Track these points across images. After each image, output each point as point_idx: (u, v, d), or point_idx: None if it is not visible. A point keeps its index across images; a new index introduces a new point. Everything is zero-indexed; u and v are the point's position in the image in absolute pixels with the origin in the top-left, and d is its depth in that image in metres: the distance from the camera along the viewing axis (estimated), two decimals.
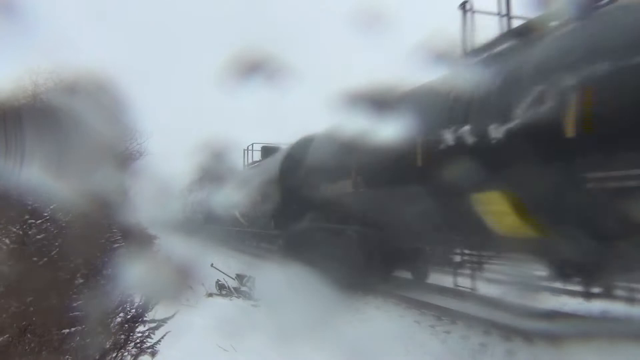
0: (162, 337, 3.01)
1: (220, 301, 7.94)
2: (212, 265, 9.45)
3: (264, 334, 5.75)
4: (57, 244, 2.79)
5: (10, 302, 2.50)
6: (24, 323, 2.65)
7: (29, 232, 2.81)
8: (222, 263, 10.33)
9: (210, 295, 8.12)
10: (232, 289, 8.47)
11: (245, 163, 17.73)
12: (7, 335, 2.31)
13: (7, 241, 2.79)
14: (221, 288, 8.52)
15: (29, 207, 2.94)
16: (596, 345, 4.60)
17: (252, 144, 17.39)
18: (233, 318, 6.75)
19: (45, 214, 2.96)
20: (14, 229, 2.80)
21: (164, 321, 3.04)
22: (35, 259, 2.61)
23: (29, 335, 2.65)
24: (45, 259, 2.59)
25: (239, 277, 8.99)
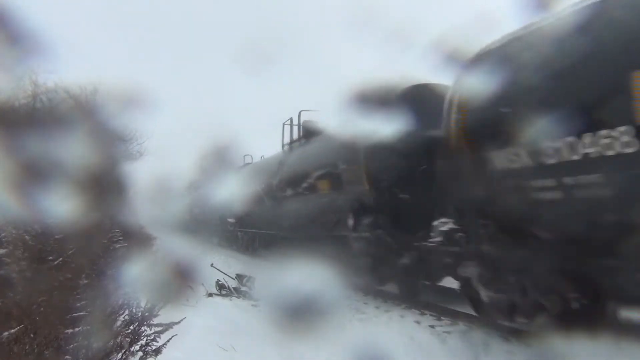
0: (168, 341, 3.01)
1: (220, 301, 7.95)
2: (212, 265, 9.46)
3: (264, 333, 5.75)
4: (62, 245, 2.80)
5: (15, 301, 2.51)
6: (27, 322, 2.66)
7: (36, 235, 2.82)
8: (222, 263, 10.33)
9: (210, 295, 8.14)
10: (232, 289, 8.49)
11: (285, 141, 13.26)
12: (14, 330, 2.32)
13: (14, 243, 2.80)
14: (221, 288, 8.53)
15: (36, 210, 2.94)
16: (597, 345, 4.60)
17: (300, 112, 12.43)
18: (233, 318, 6.75)
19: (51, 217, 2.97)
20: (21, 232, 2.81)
21: (170, 325, 3.04)
22: (42, 260, 2.61)
23: (31, 335, 2.66)
24: (51, 259, 2.60)
25: (239, 277, 9.00)
